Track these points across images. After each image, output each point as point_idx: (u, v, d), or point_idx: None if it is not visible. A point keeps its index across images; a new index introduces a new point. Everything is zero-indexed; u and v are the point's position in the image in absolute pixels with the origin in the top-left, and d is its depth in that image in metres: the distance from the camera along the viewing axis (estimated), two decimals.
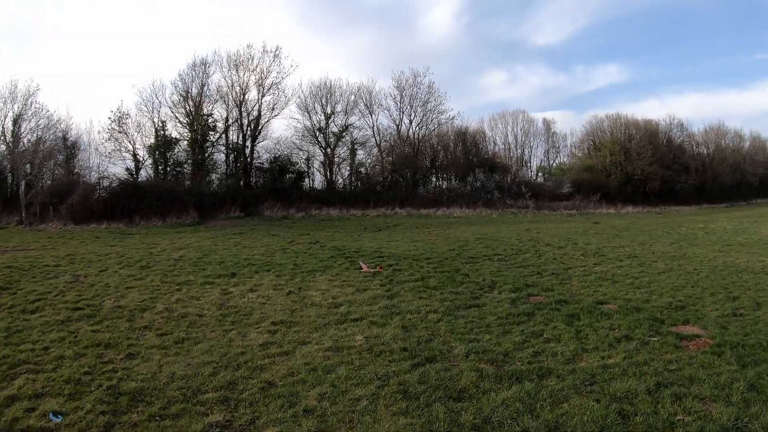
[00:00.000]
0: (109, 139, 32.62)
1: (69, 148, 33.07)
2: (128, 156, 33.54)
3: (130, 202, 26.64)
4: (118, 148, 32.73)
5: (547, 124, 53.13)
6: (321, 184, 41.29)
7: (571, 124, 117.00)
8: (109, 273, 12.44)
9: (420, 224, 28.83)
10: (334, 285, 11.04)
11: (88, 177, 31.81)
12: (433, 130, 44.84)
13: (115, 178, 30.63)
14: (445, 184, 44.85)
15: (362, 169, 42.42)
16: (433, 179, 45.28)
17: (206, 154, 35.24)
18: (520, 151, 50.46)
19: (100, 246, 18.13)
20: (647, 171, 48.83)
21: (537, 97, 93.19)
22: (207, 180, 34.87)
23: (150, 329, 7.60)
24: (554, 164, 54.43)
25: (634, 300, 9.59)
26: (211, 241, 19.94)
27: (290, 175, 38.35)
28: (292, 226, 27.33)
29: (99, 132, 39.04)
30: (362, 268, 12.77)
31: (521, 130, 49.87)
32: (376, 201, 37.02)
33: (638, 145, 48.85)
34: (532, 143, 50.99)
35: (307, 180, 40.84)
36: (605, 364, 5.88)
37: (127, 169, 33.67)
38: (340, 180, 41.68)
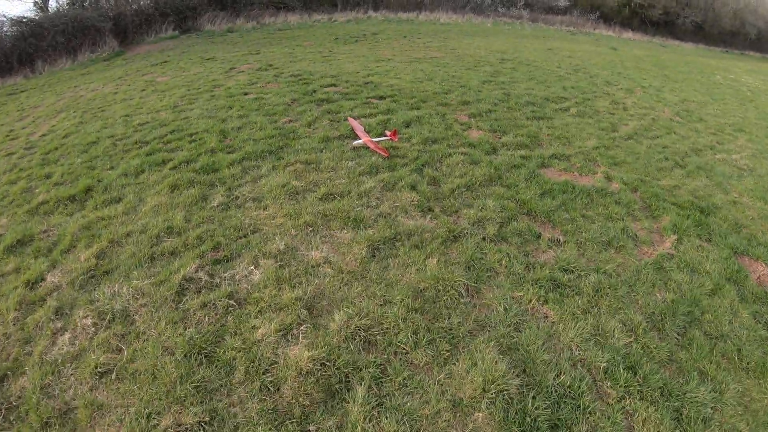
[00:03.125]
0: None
1: None
2: None
3: (27, 46, 20.01)
4: None
5: None
6: None
7: None
8: None
9: (406, 32, 21.67)
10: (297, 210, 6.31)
11: None
12: None
13: (5, 20, 20.31)
14: None
15: None
16: None
17: None
18: None
19: None
20: None
21: None
22: None
23: None
24: None
25: None
26: (115, 84, 12.68)
27: None
28: (239, 41, 19.19)
29: None
30: (355, 141, 6.94)
31: None
32: (344, 3, 27.84)
33: None
34: None
35: None
36: None
37: (35, 2, 23.16)
38: None
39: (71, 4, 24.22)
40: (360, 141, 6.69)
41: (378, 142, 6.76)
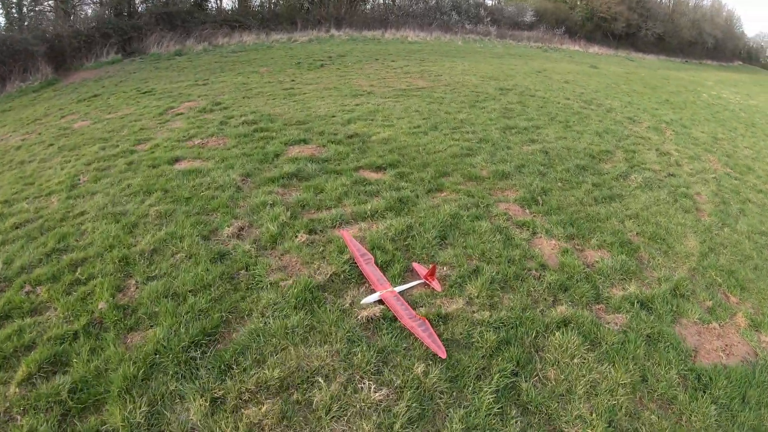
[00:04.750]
0: None
1: None
2: None
3: None
4: None
5: None
6: (232, 2, 27.36)
7: None
8: None
9: (375, 53, 19.07)
10: None
11: None
12: None
13: None
14: (390, 1, 33.17)
15: None
16: None
17: None
18: None
19: None
20: (613, 10, 42.46)
21: None
22: (71, 16, 19.63)
23: None
24: None
25: None
26: (27, 130, 9.64)
27: None
28: (186, 66, 15.90)
29: None
30: (367, 298, 3.94)
31: None
32: (304, 21, 24.92)
33: None
34: None
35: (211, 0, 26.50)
36: None
37: None
38: None
39: (9, 24, 20.15)
40: (375, 296, 3.84)
41: (404, 291, 4.01)
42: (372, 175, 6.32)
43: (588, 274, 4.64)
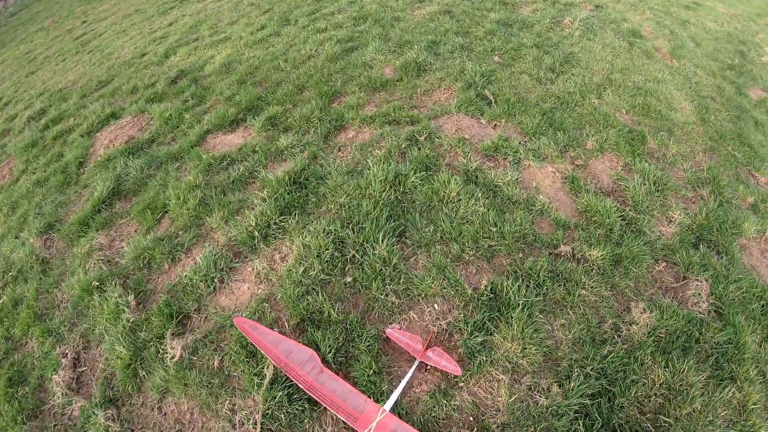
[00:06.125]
0: None
1: None
2: None
3: None
4: None
5: None
6: None
7: None
8: None
9: None
10: None
11: None
12: None
13: None
14: None
15: None
16: None
17: None
18: None
19: None
20: None
21: None
22: None
23: None
24: None
25: None
26: None
27: None
28: None
29: None
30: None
31: None
32: None
33: None
34: None
35: None
36: None
37: None
38: None
39: None
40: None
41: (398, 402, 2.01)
42: (231, 140, 3.71)
43: (624, 214, 2.98)
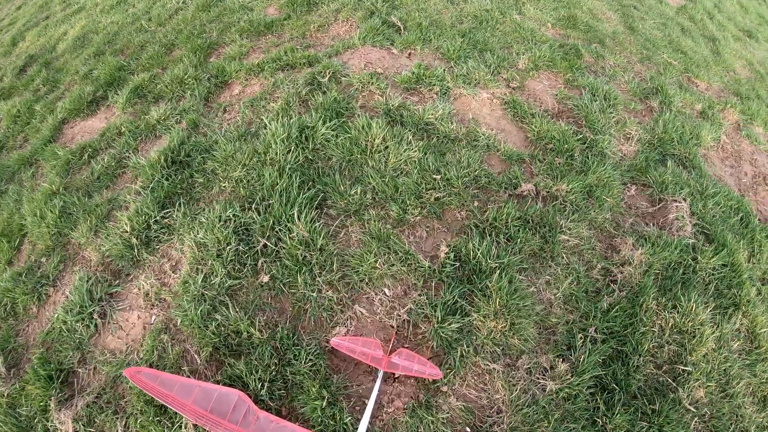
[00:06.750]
0: None
1: None
2: None
3: None
4: None
5: None
6: None
7: None
8: None
9: None
10: None
11: None
12: None
13: None
14: None
15: None
16: None
17: None
18: None
19: None
20: None
21: None
22: None
23: None
24: None
25: None
26: None
27: None
28: None
29: None
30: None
31: None
32: None
33: None
34: None
35: None
36: None
37: None
38: None
39: None
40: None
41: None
42: (92, 125, 2.87)
43: (583, 137, 2.57)
